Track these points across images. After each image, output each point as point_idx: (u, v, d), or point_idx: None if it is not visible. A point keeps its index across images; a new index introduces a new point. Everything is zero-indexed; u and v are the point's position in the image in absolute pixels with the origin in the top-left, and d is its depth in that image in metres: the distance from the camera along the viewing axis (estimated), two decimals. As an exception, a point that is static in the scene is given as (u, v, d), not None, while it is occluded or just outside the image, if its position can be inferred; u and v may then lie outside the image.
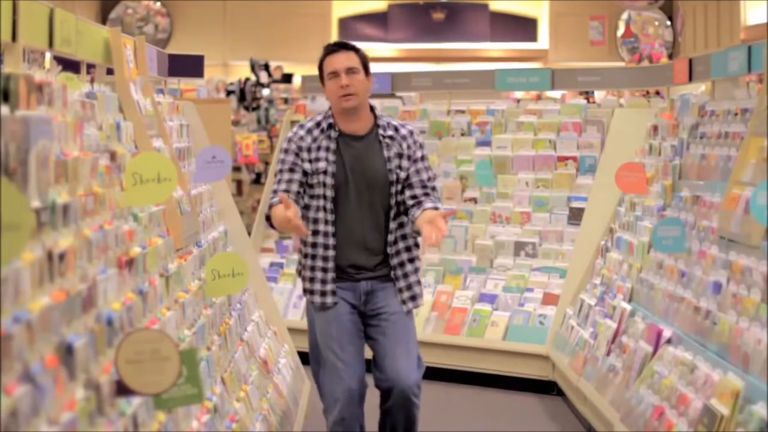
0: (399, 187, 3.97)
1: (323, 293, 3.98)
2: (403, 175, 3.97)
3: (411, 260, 4.04)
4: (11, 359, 1.89)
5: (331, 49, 3.99)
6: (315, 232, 3.97)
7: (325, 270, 3.97)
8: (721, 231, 4.15)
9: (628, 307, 5.04)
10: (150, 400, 2.59)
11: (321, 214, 3.96)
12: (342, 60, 3.93)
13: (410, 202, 3.97)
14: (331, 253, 3.96)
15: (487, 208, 7.02)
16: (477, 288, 6.60)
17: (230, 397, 3.73)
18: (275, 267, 7.27)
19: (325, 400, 4.03)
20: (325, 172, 3.94)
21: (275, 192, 3.97)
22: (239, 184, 12.02)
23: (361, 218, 3.96)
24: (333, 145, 3.96)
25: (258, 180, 12.20)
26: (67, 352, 2.19)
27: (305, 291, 4.05)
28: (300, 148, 3.98)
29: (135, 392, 2.44)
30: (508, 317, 6.31)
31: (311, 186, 3.97)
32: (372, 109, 4.04)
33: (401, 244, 4.01)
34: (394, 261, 3.99)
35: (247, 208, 11.70)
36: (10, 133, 2.05)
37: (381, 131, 3.99)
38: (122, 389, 2.42)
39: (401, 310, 3.99)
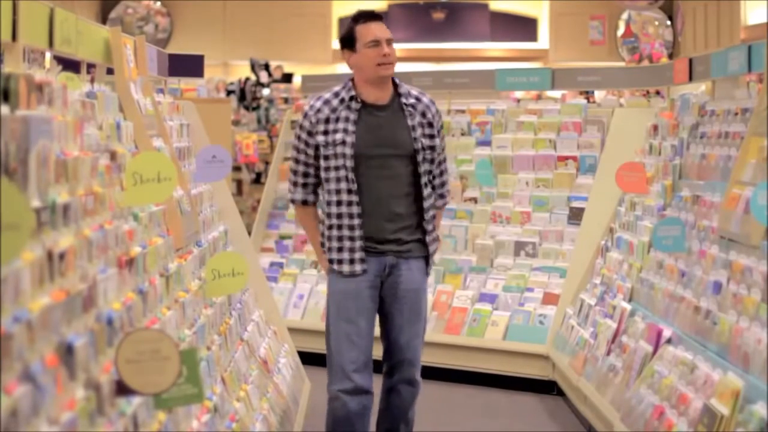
0: (424, 154, 4.01)
1: (352, 261, 4.00)
2: (427, 143, 4.03)
3: (433, 224, 4.14)
4: (11, 359, 1.89)
5: (368, 17, 4.01)
6: (339, 203, 3.98)
7: (352, 239, 3.99)
8: (721, 231, 4.15)
9: (628, 306, 5.04)
10: (150, 400, 2.59)
11: (343, 185, 3.97)
12: (383, 30, 3.99)
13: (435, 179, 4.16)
14: (356, 221, 3.97)
15: (487, 208, 7.02)
16: (477, 288, 6.60)
17: (230, 396, 3.73)
18: (275, 267, 7.27)
19: (332, 371, 4.06)
20: (343, 143, 3.95)
21: (294, 173, 4.09)
22: (239, 184, 12.02)
23: (388, 188, 3.99)
24: (353, 116, 3.98)
25: (258, 180, 12.20)
26: (67, 352, 2.19)
27: (332, 261, 4.04)
28: (316, 121, 4.00)
29: (135, 392, 2.44)
30: (508, 317, 6.31)
31: (327, 158, 3.98)
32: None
33: (431, 212, 4.09)
34: (429, 226, 4.09)
35: (247, 208, 11.70)
36: (10, 133, 2.05)
37: (404, 99, 4.03)
38: (122, 389, 2.42)
39: (420, 286, 4.10)
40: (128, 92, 3.77)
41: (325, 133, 3.98)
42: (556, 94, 8.83)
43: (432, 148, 4.03)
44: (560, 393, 5.96)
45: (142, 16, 16.48)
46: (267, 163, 11.50)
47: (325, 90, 4.10)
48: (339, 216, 3.98)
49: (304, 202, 4.13)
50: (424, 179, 4.02)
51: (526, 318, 6.27)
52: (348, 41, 4.01)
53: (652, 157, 5.73)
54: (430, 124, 4.04)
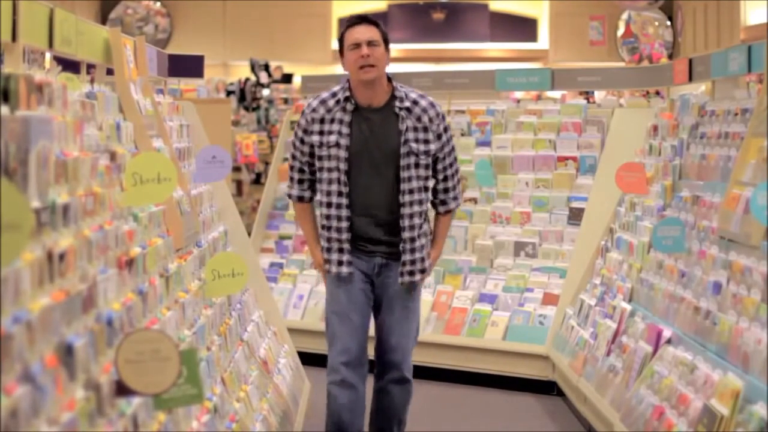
0: (412, 159, 3.99)
1: (339, 263, 4.07)
2: (420, 148, 4.00)
3: (421, 236, 4.09)
4: (11, 359, 1.89)
5: (354, 21, 4.04)
6: (329, 204, 4.04)
7: (339, 241, 4.05)
8: (721, 231, 4.15)
9: (628, 307, 5.04)
10: (150, 400, 2.59)
11: (335, 187, 4.01)
12: (364, 32, 3.98)
13: (433, 193, 4.14)
14: (344, 224, 4.02)
15: (487, 208, 7.02)
16: (477, 288, 6.60)
17: (230, 397, 3.73)
18: (275, 267, 7.26)
19: (328, 365, 4.12)
20: (337, 145, 3.99)
21: (291, 169, 4.16)
22: (239, 184, 12.02)
23: (375, 190, 4.02)
24: (347, 118, 4.00)
25: (258, 180, 12.20)
26: (67, 352, 2.19)
27: (324, 261, 4.13)
28: (312, 120, 4.05)
29: (135, 392, 2.44)
30: (508, 317, 6.31)
31: (321, 158, 4.03)
32: (390, 80, 4.07)
33: (416, 220, 4.05)
34: (406, 234, 4.04)
35: (247, 208, 11.70)
36: (10, 133, 2.05)
37: (398, 103, 4.02)
38: (122, 389, 2.42)
39: (409, 288, 4.10)
40: (128, 93, 3.77)
41: (321, 133, 4.02)
42: (556, 94, 8.83)
43: (426, 153, 4.01)
44: (560, 393, 5.96)
45: (142, 17, 16.47)
46: (267, 164, 11.50)
47: (324, 90, 4.13)
48: (328, 217, 4.05)
49: (300, 198, 4.19)
50: (406, 185, 3.99)
51: (525, 318, 6.27)
52: (339, 45, 4.08)
53: (652, 157, 5.73)
54: (425, 129, 4.02)
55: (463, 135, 7.39)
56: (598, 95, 9.42)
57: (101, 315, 2.49)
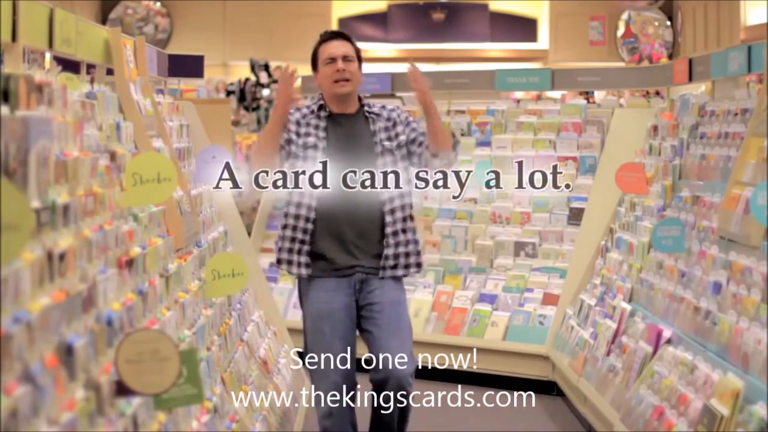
0: (389, 158, 4.02)
1: (299, 264, 3.99)
2: (393, 144, 4.04)
3: (405, 230, 4.04)
4: (11, 359, 1.89)
5: (328, 36, 4.09)
6: (298, 205, 3.98)
7: (302, 242, 3.97)
8: (721, 231, 4.15)
9: (628, 307, 5.04)
10: (150, 400, 2.59)
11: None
12: (338, 47, 4.04)
13: (422, 148, 4.06)
14: (310, 226, 3.96)
15: (487, 208, 7.02)
16: (477, 288, 6.60)
17: (230, 397, 3.73)
18: (275, 267, 7.24)
19: (315, 399, 4.04)
20: (314, 147, 3.99)
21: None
22: (239, 184, 12.01)
23: (354, 197, 3.96)
24: (323, 123, 4.04)
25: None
26: (67, 352, 2.19)
27: (280, 261, 4.04)
28: (289, 120, 4.03)
29: (135, 392, 2.44)
30: (508, 317, 6.31)
31: (297, 156, 4.00)
32: (359, 97, 4.13)
33: (398, 214, 4.00)
34: (388, 230, 3.99)
35: (247, 208, 11.69)
36: (10, 133, 2.05)
37: (367, 108, 4.10)
38: (122, 389, 2.42)
39: (394, 299, 4.00)
40: (128, 93, 3.77)
41: (298, 134, 4.03)
42: (556, 94, 8.83)
43: (399, 145, 4.05)
44: (560, 393, 5.96)
45: (142, 17, 16.47)
46: (267, 164, 11.49)
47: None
48: (297, 217, 3.98)
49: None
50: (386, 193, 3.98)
51: (525, 318, 6.27)
52: (313, 61, 4.10)
53: (652, 157, 5.73)
54: (394, 125, 4.08)
55: (463, 135, 7.39)
56: (598, 95, 9.41)
57: (101, 315, 2.49)
